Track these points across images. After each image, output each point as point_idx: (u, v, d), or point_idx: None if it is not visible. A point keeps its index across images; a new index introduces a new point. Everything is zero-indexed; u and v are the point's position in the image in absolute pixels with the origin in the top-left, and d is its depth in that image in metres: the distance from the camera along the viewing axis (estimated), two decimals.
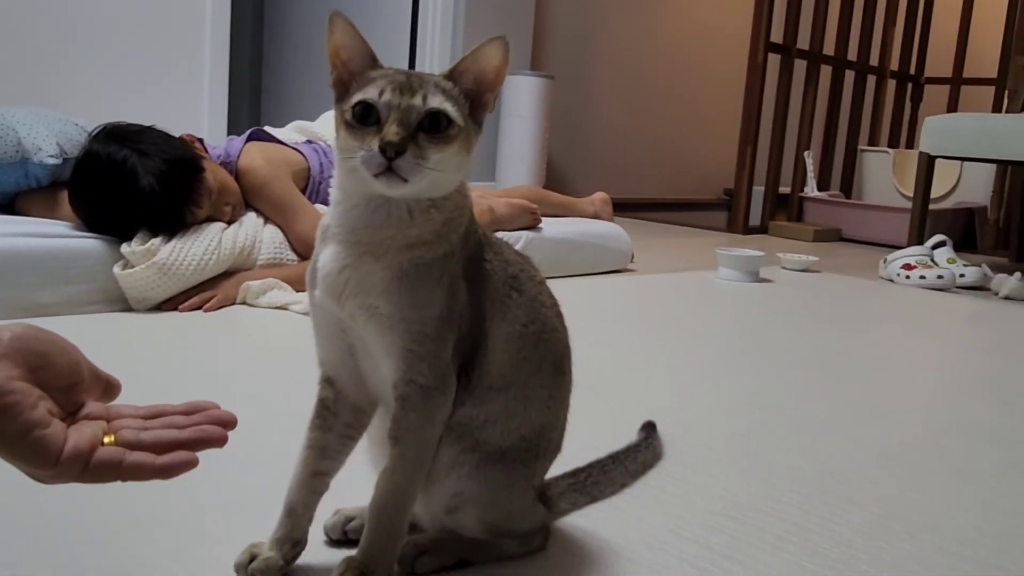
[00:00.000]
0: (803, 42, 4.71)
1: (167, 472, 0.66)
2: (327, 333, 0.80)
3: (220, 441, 0.69)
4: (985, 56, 5.84)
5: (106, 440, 0.65)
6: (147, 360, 1.55)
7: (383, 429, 0.81)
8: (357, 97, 0.73)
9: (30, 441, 0.61)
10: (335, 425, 0.82)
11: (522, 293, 0.82)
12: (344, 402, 0.82)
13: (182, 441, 0.67)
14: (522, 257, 0.86)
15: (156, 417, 0.70)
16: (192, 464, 0.67)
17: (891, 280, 3.16)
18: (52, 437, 0.62)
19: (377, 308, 0.74)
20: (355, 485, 0.84)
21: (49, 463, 0.62)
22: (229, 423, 0.70)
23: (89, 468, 0.63)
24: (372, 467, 0.86)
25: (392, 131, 0.70)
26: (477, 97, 0.76)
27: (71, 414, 0.67)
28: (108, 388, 0.72)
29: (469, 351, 0.79)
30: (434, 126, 0.71)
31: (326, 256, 0.76)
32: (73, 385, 0.67)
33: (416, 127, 0.71)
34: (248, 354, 1.66)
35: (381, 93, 0.72)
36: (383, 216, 0.74)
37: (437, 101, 0.72)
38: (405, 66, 4.11)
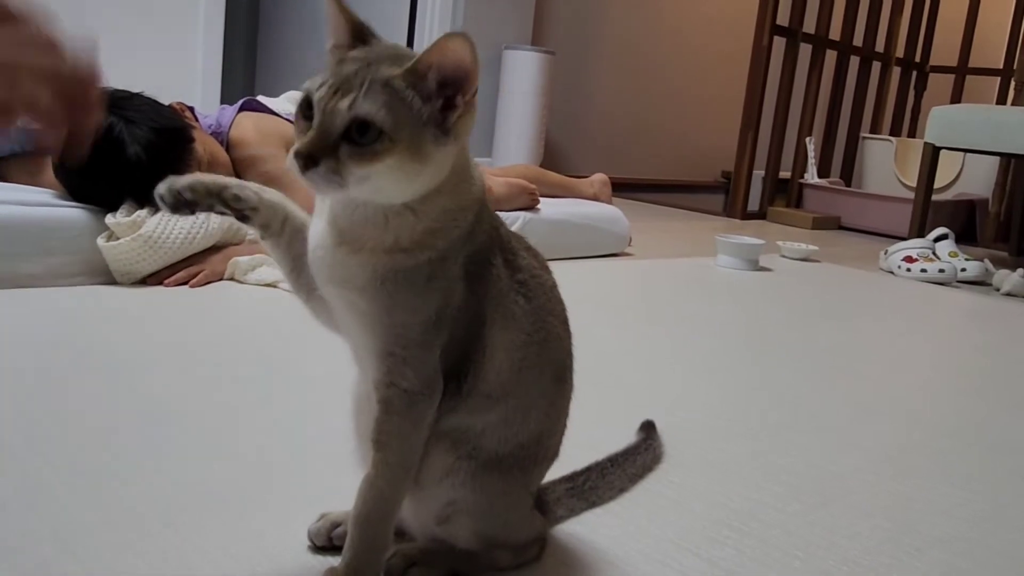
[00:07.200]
0: (809, 26, 4.64)
1: None
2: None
3: None
4: (991, 46, 5.79)
5: None
6: (130, 336, 1.50)
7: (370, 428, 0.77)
8: (305, 84, 0.66)
9: None
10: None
11: (529, 300, 0.76)
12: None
13: None
14: (537, 260, 0.80)
15: None
16: None
17: (891, 272, 3.12)
18: None
19: (356, 304, 0.70)
20: (342, 488, 0.79)
21: None
22: None
23: None
24: (361, 466, 0.81)
25: (307, 139, 0.63)
26: (448, 98, 0.65)
27: None
28: None
29: (462, 356, 0.73)
30: (361, 135, 0.63)
31: (313, 229, 0.72)
32: None
33: (341, 135, 0.63)
34: (235, 332, 1.61)
35: (320, 86, 0.65)
36: (360, 215, 0.69)
37: (368, 107, 0.63)
38: (404, 35, 4.04)
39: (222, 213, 0.74)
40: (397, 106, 0.64)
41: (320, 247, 0.71)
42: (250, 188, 0.74)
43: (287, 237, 0.76)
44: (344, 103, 0.63)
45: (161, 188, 0.71)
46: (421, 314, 0.69)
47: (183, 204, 0.72)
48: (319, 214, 0.72)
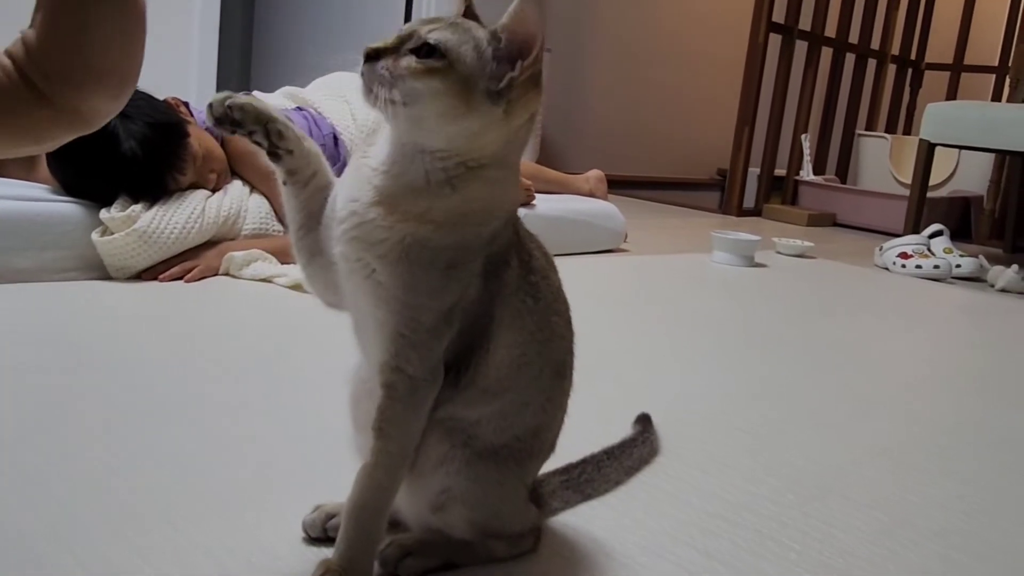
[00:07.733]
0: (804, 23, 4.64)
1: None
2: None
3: None
4: (986, 43, 5.79)
5: None
6: (124, 331, 1.50)
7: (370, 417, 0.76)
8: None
9: None
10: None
11: (537, 300, 0.77)
12: None
13: None
14: (547, 261, 0.80)
15: None
16: None
17: (886, 268, 3.12)
18: None
19: (374, 272, 0.70)
20: (339, 481, 0.79)
21: None
22: None
23: None
24: (357, 457, 0.81)
25: (380, 42, 0.68)
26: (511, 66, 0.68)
27: None
28: None
29: (464, 350, 0.73)
30: (426, 57, 0.67)
31: (346, 182, 0.72)
32: None
33: (412, 49, 0.67)
34: (229, 328, 1.60)
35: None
36: (399, 170, 0.69)
37: (442, 35, 0.67)
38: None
39: (257, 143, 0.74)
40: (468, 49, 0.67)
41: (355, 201, 0.70)
42: (294, 131, 0.75)
43: (310, 191, 0.76)
44: (426, 28, 0.68)
45: (214, 98, 0.72)
46: (437, 300, 0.70)
47: (228, 121, 0.72)
48: (356, 168, 0.72)
